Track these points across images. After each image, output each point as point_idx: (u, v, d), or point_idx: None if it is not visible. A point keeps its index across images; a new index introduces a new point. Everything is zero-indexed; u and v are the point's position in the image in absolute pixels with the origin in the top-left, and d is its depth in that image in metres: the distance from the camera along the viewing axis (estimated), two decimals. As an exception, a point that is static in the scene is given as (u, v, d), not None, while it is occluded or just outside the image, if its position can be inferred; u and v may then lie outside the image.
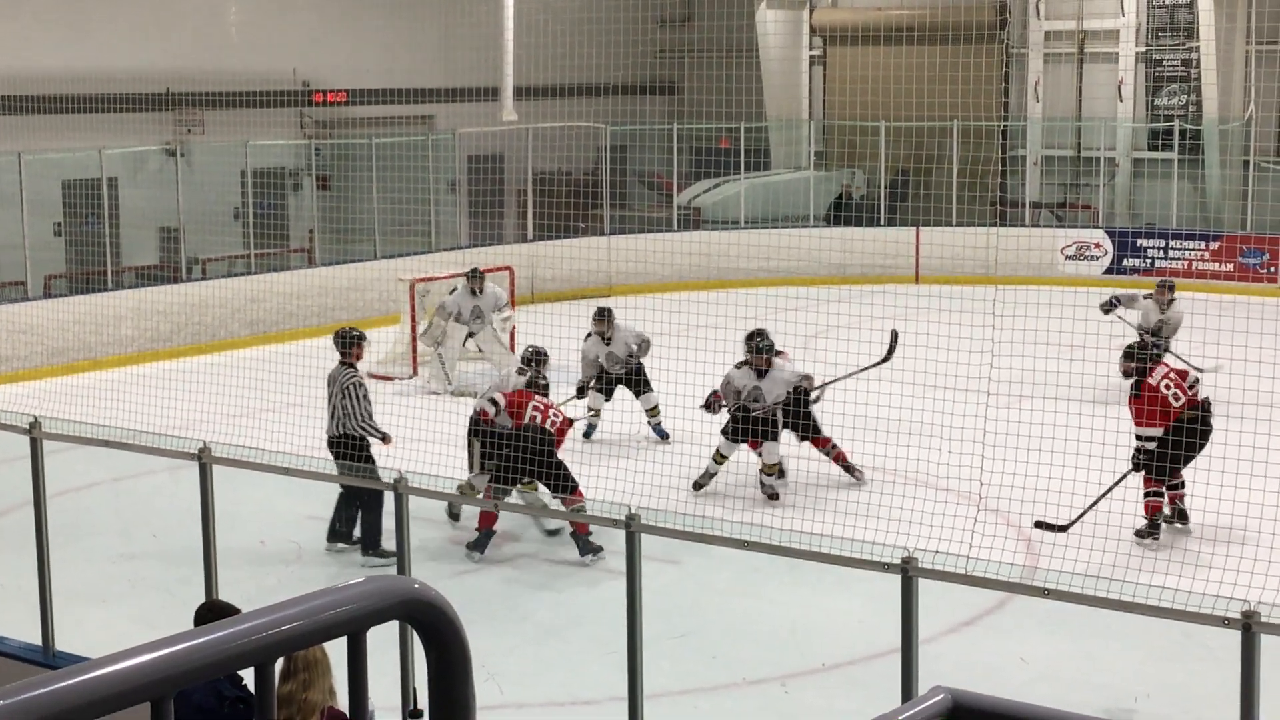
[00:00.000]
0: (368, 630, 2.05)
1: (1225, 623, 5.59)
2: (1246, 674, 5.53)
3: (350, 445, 11.76)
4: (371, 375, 18.38)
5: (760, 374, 12.91)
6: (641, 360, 15.36)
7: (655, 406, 15.26)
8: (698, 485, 13.15)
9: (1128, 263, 25.14)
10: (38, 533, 8.11)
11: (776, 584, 11.12)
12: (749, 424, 12.88)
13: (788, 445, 13.35)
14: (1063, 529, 10.85)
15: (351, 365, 12.21)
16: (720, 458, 13.12)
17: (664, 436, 15.16)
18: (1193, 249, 24.74)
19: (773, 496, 12.89)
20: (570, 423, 12.62)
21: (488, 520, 11.87)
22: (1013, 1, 27.64)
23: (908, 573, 6.03)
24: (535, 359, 13.32)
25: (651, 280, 23.88)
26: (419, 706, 6.68)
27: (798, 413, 13.04)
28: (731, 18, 27.13)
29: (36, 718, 1.68)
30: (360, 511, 11.86)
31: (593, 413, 15.49)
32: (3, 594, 8.92)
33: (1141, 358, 11.67)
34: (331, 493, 11.99)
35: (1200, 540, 10.94)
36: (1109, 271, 25.05)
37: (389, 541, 11.52)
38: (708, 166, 26.47)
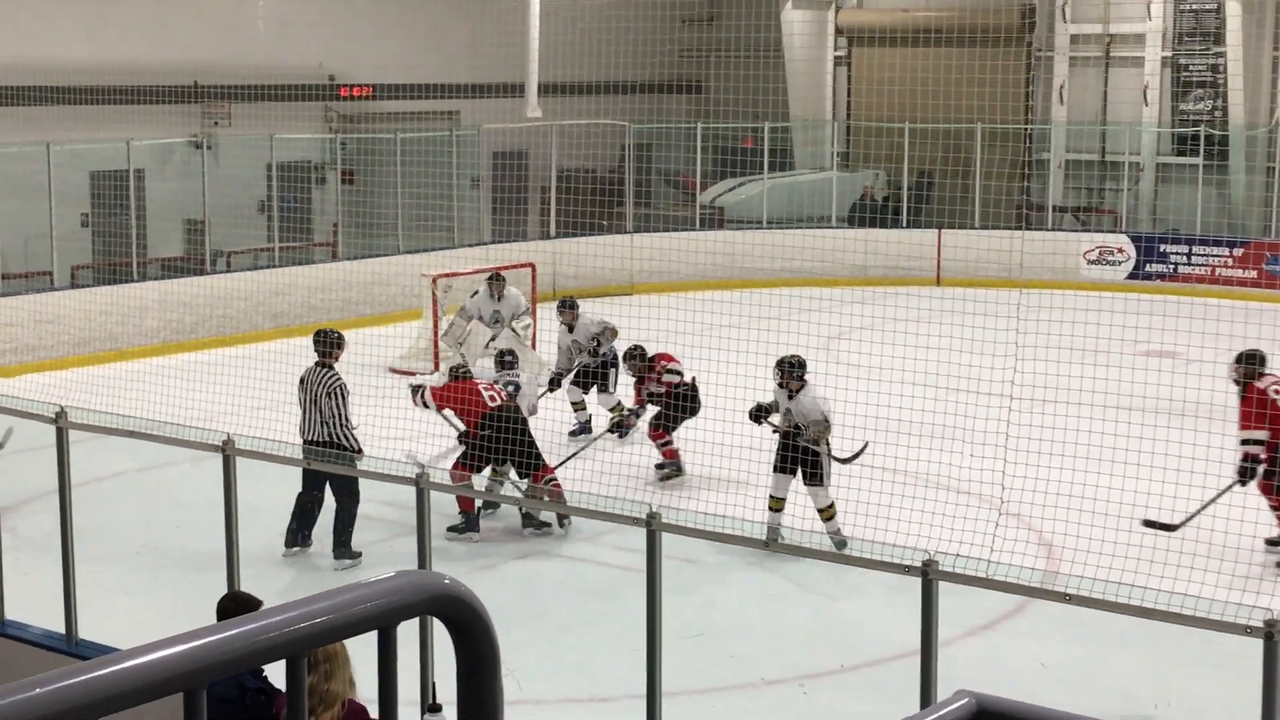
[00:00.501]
0: (398, 625, 2.06)
1: (1248, 631, 5.55)
2: (1268, 684, 5.52)
3: (333, 449, 11.58)
4: (393, 370, 18.49)
5: (791, 396, 12.11)
6: (612, 353, 15.41)
7: (615, 406, 15.37)
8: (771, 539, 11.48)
9: (1150, 268, 25.10)
10: (62, 521, 8.11)
11: (795, 584, 11.15)
12: (794, 455, 11.88)
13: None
14: (1173, 529, 10.82)
15: (330, 367, 12.01)
16: (778, 503, 11.98)
17: (622, 435, 14.94)
18: (1217, 255, 24.69)
19: (841, 545, 10.83)
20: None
21: (467, 503, 12.09)
22: (1039, 4, 27.62)
23: (928, 575, 6.01)
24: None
25: (673, 279, 23.92)
26: (438, 700, 6.60)
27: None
28: (756, 17, 27.15)
29: (71, 707, 1.70)
30: (338, 513, 11.72)
31: (580, 410, 15.68)
32: (26, 582, 8.97)
33: (1250, 362, 11.68)
34: (360, 488, 12.04)
35: (1223, 548, 10.94)
36: (1131, 276, 25.02)
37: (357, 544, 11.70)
38: (731, 166, 26.50)
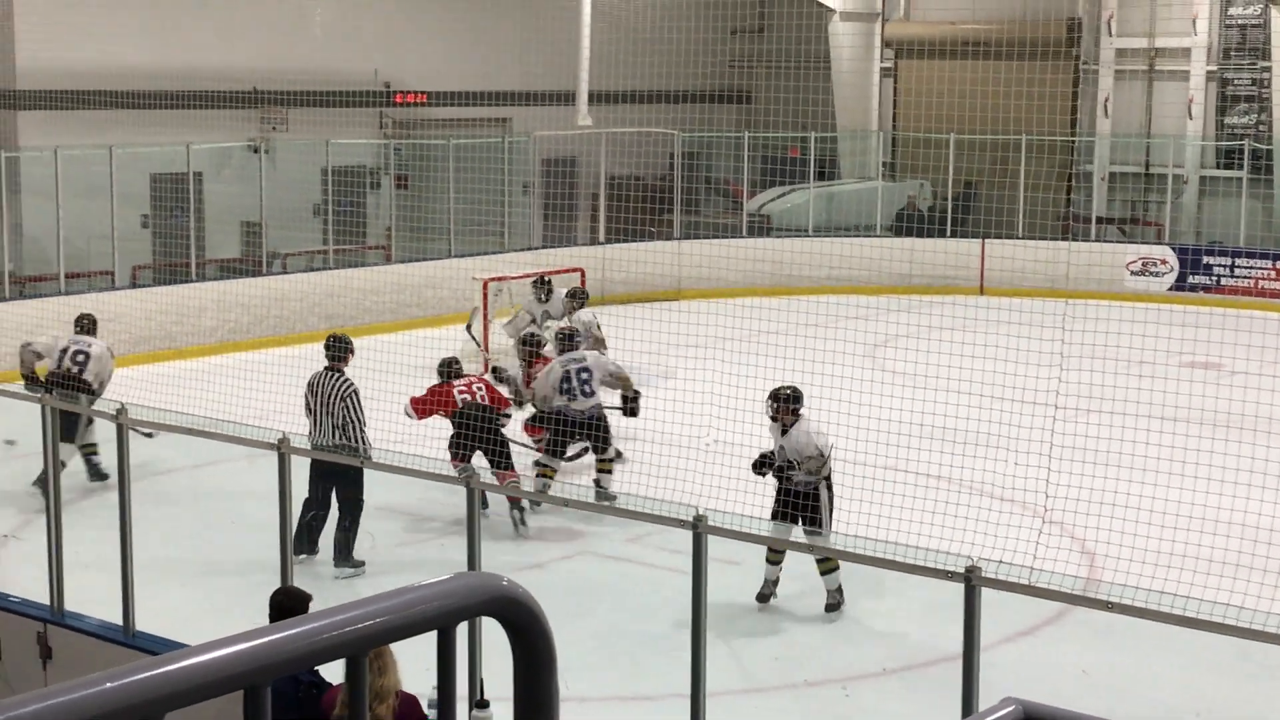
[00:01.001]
0: (457, 626, 2.08)
1: (1288, 641, 5.54)
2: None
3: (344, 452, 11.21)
4: (444, 372, 18.79)
5: (784, 431, 11.10)
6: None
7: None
8: (762, 598, 11.04)
9: (1193, 280, 25.18)
10: (121, 515, 8.18)
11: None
12: (792, 500, 10.79)
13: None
14: None
15: (341, 372, 11.91)
16: (775, 555, 10.94)
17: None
18: (1260, 268, 24.74)
19: (834, 607, 10.87)
20: (507, 401, 12.99)
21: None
22: (1085, 18, 27.71)
23: (971, 581, 5.99)
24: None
25: (719, 285, 24.09)
26: (485, 697, 6.79)
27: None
28: (805, 29, 27.30)
29: (139, 701, 1.72)
30: (341, 521, 11.65)
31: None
32: (85, 574, 9.12)
33: None
34: (409, 486, 12.22)
35: (1266, 559, 11.04)
36: (1174, 288, 25.09)
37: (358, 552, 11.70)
38: (777, 175, 26.66)
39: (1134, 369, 13.75)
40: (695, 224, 26.73)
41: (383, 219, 24.63)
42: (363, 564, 11.70)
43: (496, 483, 11.44)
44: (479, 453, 12.41)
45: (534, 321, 18.23)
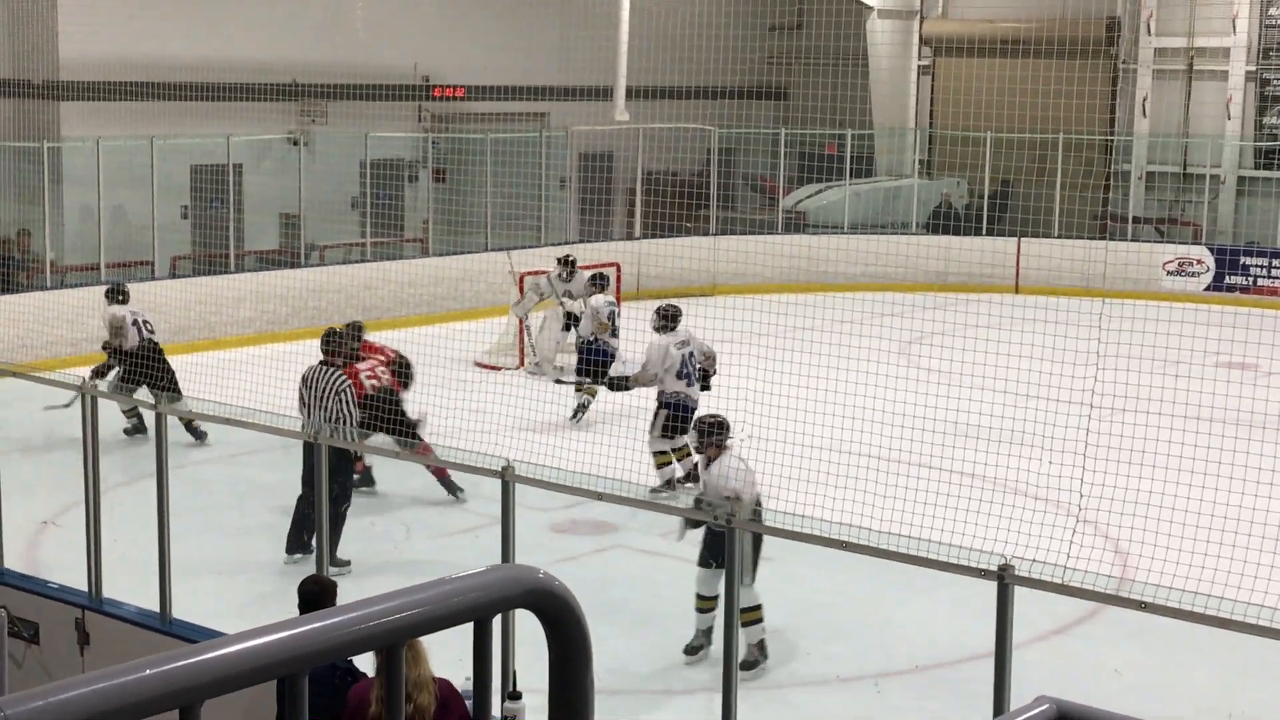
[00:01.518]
0: (494, 618, 2.08)
1: (1321, 642, 5.53)
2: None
3: (340, 449, 10.71)
4: (479, 365, 18.89)
5: (707, 464, 10.03)
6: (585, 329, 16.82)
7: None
8: (691, 650, 9.96)
9: (1230, 280, 25.08)
10: (159, 504, 8.22)
11: (870, 584, 11.27)
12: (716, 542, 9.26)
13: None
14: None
15: (336, 367, 11.87)
16: (704, 602, 9.86)
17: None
18: (1297, 269, 24.67)
19: (752, 665, 9.57)
20: (400, 385, 12.94)
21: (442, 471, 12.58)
22: (1124, 18, 27.62)
23: (1004, 580, 5.98)
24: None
25: (754, 281, 24.14)
26: (518, 689, 6.79)
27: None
28: (842, 26, 27.29)
29: (178, 688, 1.74)
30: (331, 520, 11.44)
31: (585, 392, 16.51)
32: (122, 562, 9.18)
33: None
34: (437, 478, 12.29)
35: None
36: (1210, 288, 25.01)
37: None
38: (813, 171, 26.67)
39: (1169, 369, 13.72)
40: (731, 220, 26.76)
41: (420, 212, 24.73)
42: (348, 563, 11.45)
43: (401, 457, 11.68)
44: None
45: (547, 295, 18.63)
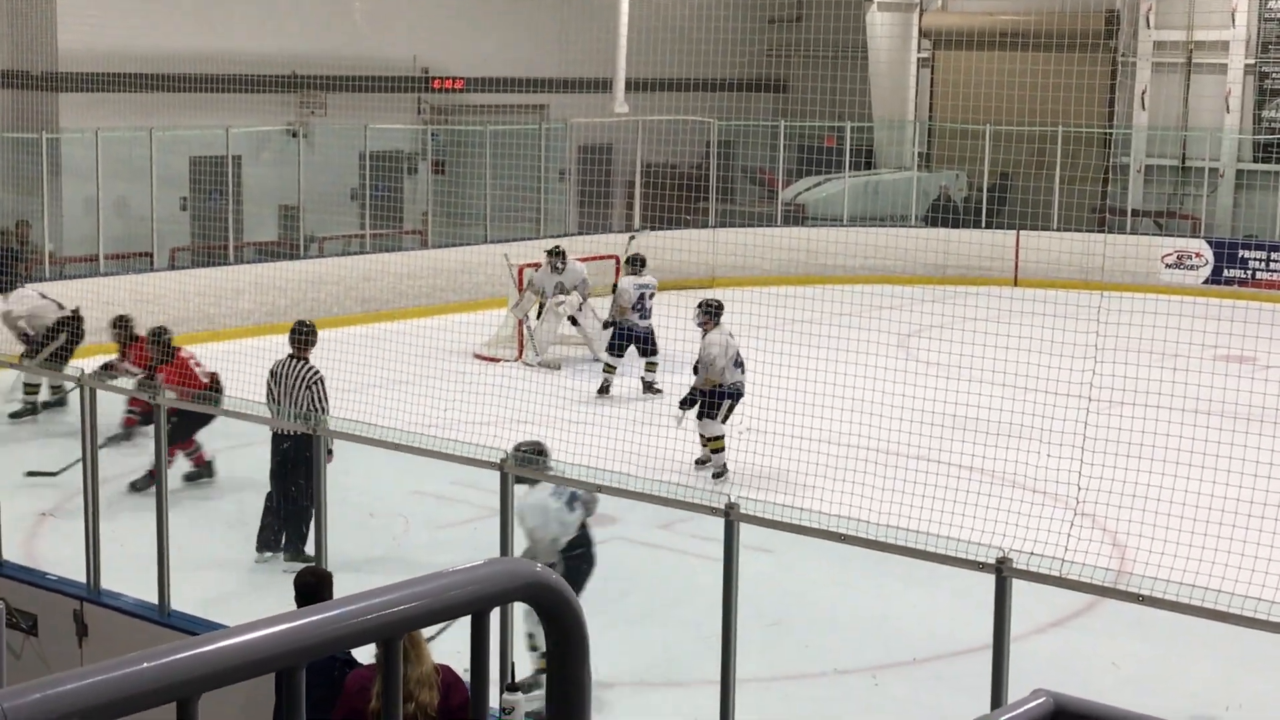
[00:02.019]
0: (491, 611, 2.08)
1: (1322, 636, 5.51)
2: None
3: (309, 442, 10.59)
4: (478, 356, 18.89)
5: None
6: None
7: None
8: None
9: (1228, 273, 25.09)
10: (158, 496, 8.23)
11: (868, 576, 11.28)
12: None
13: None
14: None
15: (306, 360, 11.75)
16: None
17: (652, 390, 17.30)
18: (1295, 262, 24.68)
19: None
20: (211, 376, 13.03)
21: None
22: (1123, 10, 27.61)
23: (1002, 573, 5.97)
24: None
25: (753, 274, 24.13)
26: (516, 680, 6.82)
27: None
28: (842, 18, 27.30)
29: (175, 681, 1.74)
30: (296, 511, 11.38)
31: (608, 370, 17.39)
32: (121, 554, 9.18)
33: None
34: (441, 470, 12.23)
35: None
36: (1208, 282, 25.01)
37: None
38: (812, 164, 26.70)
39: (1167, 362, 13.72)
40: (730, 212, 26.78)
41: (419, 204, 24.73)
42: (313, 559, 11.43)
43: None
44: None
45: (543, 294, 18.64)
